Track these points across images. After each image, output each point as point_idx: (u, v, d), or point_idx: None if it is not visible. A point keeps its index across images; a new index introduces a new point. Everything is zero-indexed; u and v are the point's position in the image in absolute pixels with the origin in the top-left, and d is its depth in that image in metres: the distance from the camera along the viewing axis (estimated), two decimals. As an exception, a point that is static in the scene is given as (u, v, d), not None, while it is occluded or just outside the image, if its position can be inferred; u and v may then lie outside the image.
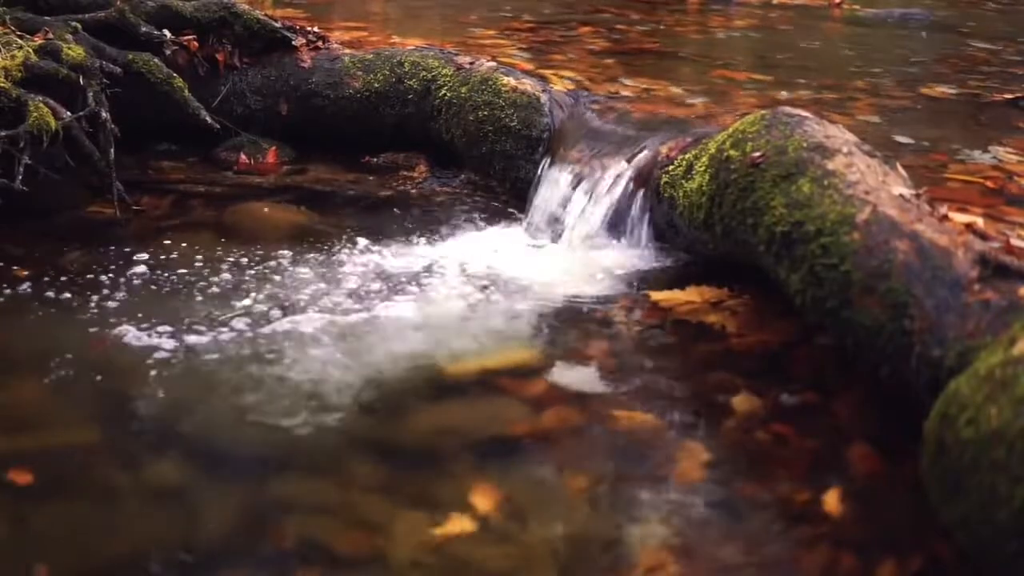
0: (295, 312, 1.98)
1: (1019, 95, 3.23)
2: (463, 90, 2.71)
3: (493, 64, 2.78)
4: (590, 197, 2.35)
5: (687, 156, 2.16)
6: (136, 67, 2.64)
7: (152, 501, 1.46)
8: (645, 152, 2.34)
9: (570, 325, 2.00)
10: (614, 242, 2.30)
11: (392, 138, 2.86)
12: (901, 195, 1.68)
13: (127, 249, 2.25)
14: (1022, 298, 1.37)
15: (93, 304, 1.99)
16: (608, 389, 1.76)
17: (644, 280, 2.17)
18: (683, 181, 2.12)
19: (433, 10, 4.76)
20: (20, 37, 2.48)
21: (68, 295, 2.02)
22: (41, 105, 2.33)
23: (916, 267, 1.50)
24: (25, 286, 2.05)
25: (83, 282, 2.08)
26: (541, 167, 2.51)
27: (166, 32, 2.78)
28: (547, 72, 3.07)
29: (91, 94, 2.45)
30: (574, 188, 2.40)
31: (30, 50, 2.43)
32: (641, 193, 2.28)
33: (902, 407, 1.50)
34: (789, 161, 1.82)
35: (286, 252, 2.26)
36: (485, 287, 2.13)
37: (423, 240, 2.37)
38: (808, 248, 1.67)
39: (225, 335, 1.88)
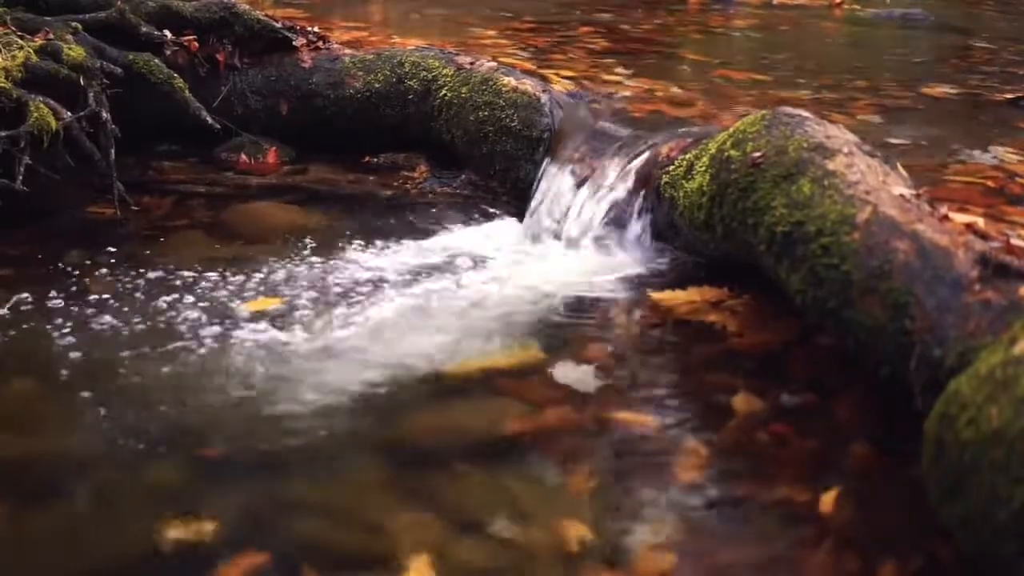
0: (295, 312, 1.98)
1: (1019, 95, 3.23)
2: (463, 90, 2.71)
3: (493, 64, 2.78)
4: (590, 197, 2.35)
5: (687, 156, 2.16)
6: (137, 67, 2.64)
7: (153, 502, 1.46)
8: (645, 152, 2.34)
9: (570, 325, 2.00)
10: (614, 242, 2.30)
11: (392, 138, 2.86)
12: (902, 195, 1.68)
13: (127, 249, 2.26)
14: (1022, 298, 1.37)
15: (93, 304, 1.99)
16: (608, 389, 1.76)
17: (644, 280, 2.17)
18: (683, 181, 2.12)
19: (433, 10, 4.76)
20: (21, 37, 2.49)
21: (68, 295, 2.02)
22: (42, 105, 2.34)
23: (916, 267, 1.50)
24: (25, 286, 2.05)
25: (83, 282, 2.08)
26: (542, 167, 2.51)
27: (166, 32, 2.78)
28: (547, 72, 3.08)
29: (92, 94, 2.45)
30: (575, 188, 2.40)
31: (31, 50, 2.43)
32: (641, 193, 2.28)
33: (902, 407, 1.50)
34: (790, 161, 1.82)
35: (286, 253, 2.26)
36: (485, 287, 2.13)
37: (423, 240, 2.37)
38: (808, 248, 1.67)
39: (225, 335, 1.88)
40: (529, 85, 2.66)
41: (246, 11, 2.86)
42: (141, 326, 1.91)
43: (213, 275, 2.13)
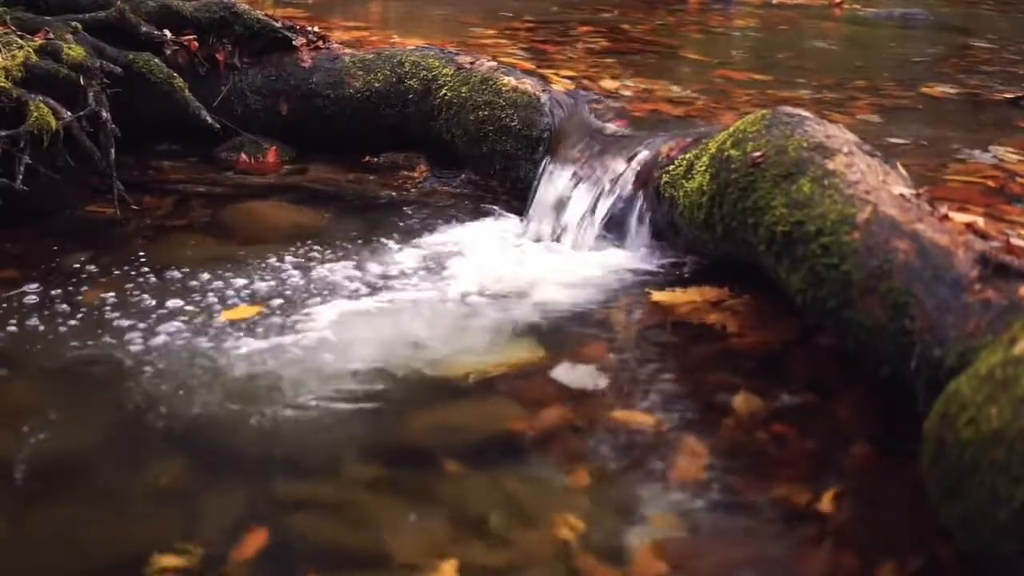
0: (295, 312, 1.98)
1: (1019, 95, 3.23)
2: (463, 90, 2.71)
3: (493, 64, 2.78)
4: (590, 197, 2.35)
5: (687, 156, 2.16)
6: (137, 67, 2.64)
7: (152, 501, 1.46)
8: (645, 152, 2.34)
9: (570, 325, 2.00)
10: (614, 242, 2.30)
11: (392, 138, 2.86)
12: (902, 195, 1.68)
13: (127, 249, 2.26)
14: (1022, 298, 1.37)
15: (93, 304, 1.99)
16: (608, 389, 1.76)
17: (644, 280, 2.17)
18: (683, 181, 2.12)
19: (433, 10, 4.76)
20: (20, 37, 2.48)
21: (68, 295, 2.02)
22: (42, 105, 2.34)
23: (916, 267, 1.50)
24: (25, 286, 2.05)
25: (83, 282, 2.08)
26: (541, 167, 2.51)
27: (166, 32, 2.78)
28: (547, 72, 3.08)
29: (91, 94, 2.45)
30: (574, 188, 2.40)
31: (31, 50, 2.43)
32: (641, 193, 2.28)
33: (902, 407, 1.50)
34: (790, 161, 1.82)
35: (286, 252, 2.26)
36: (485, 287, 2.13)
37: (423, 240, 2.37)
38: (808, 248, 1.67)
39: (225, 335, 1.88)
40: (529, 85, 2.66)
41: (246, 11, 2.86)
42: (140, 326, 1.90)
43: (213, 274, 2.12)
